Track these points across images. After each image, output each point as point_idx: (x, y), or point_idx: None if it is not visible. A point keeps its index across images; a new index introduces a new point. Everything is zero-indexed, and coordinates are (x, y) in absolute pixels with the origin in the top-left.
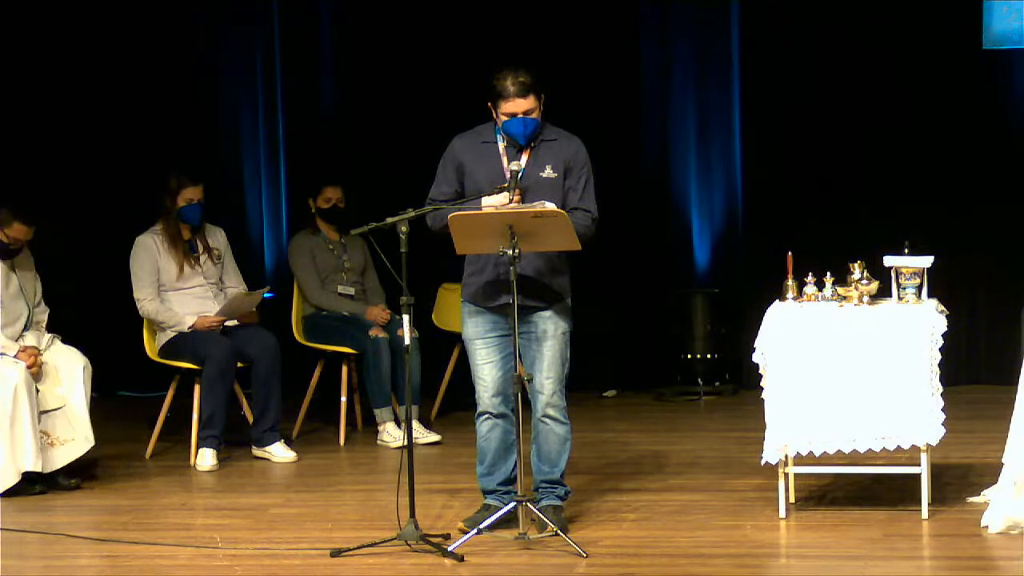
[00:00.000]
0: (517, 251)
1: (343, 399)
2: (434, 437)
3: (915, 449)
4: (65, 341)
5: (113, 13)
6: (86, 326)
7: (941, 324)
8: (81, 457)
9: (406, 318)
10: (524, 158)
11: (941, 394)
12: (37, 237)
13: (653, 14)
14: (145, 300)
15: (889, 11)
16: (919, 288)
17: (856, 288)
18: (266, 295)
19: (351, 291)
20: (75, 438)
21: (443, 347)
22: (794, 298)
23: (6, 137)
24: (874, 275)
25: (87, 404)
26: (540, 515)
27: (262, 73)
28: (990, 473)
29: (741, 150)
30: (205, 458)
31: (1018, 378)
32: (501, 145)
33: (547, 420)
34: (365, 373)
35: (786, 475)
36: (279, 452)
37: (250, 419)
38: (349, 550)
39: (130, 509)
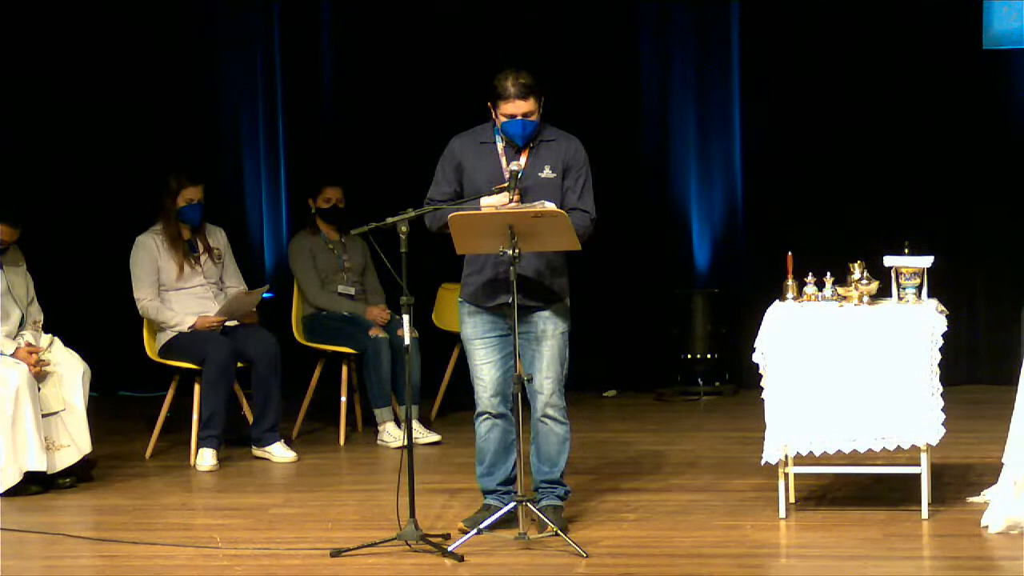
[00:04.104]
0: (517, 251)
1: (343, 399)
2: (434, 437)
3: (915, 449)
4: (65, 342)
5: (113, 13)
6: (86, 326)
7: (941, 324)
8: (77, 460)
9: (406, 318)
10: (523, 158)
11: (941, 394)
12: (37, 237)
13: (653, 15)
14: (145, 300)
15: (889, 11)
16: (919, 288)
17: (856, 288)
18: (265, 295)
19: (351, 291)
20: (71, 444)
21: (443, 347)
22: (794, 298)
23: (4, 137)
24: (874, 275)
25: (86, 411)
26: (540, 515)
27: (262, 73)
28: (990, 473)
29: (741, 150)
30: (205, 458)
31: (1018, 378)
32: (500, 145)
33: (546, 420)
34: (365, 373)
35: (786, 475)
36: (279, 452)
37: (250, 419)
38: (349, 550)
39: (130, 509)
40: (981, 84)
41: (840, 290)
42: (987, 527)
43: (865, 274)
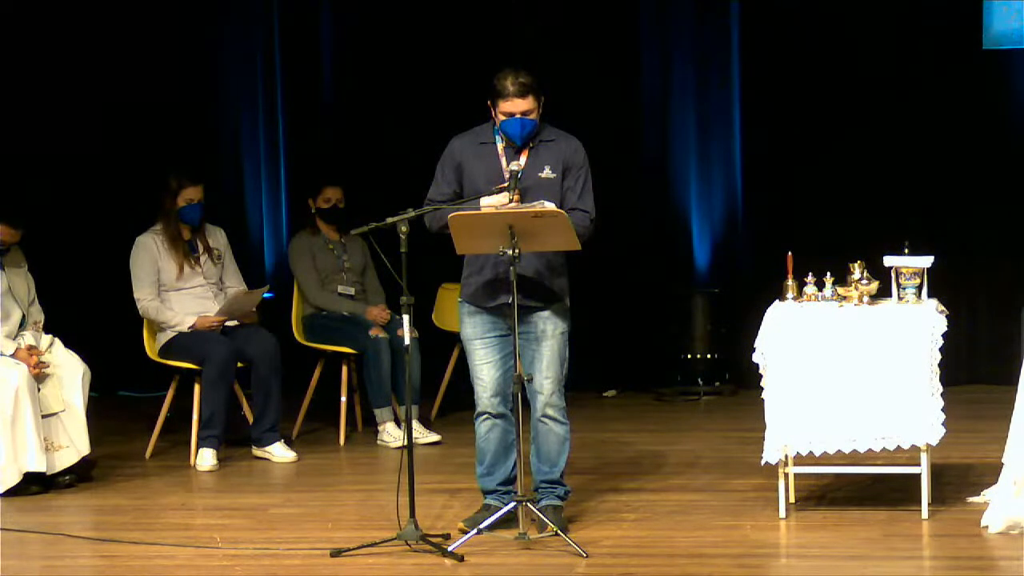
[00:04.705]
0: (517, 251)
1: (343, 399)
2: (434, 437)
3: (915, 449)
4: (65, 342)
5: (113, 12)
6: (86, 326)
7: (941, 324)
8: (76, 461)
9: (406, 318)
10: (523, 158)
11: (941, 394)
12: (37, 237)
13: (653, 14)
14: (145, 300)
15: (889, 11)
16: (919, 288)
17: (856, 288)
18: (266, 295)
19: (351, 291)
20: (71, 445)
21: (443, 347)
22: (794, 298)
23: (2, 137)
24: (874, 275)
25: (85, 412)
26: (540, 515)
27: (262, 73)
28: (990, 473)
29: (741, 150)
30: (205, 458)
31: (1018, 378)
32: (500, 145)
33: (546, 420)
34: (365, 373)
35: (786, 475)
36: (279, 452)
37: (250, 419)
38: (349, 550)
39: (130, 509)
40: (981, 84)
41: (840, 290)
42: (987, 527)
43: (865, 274)
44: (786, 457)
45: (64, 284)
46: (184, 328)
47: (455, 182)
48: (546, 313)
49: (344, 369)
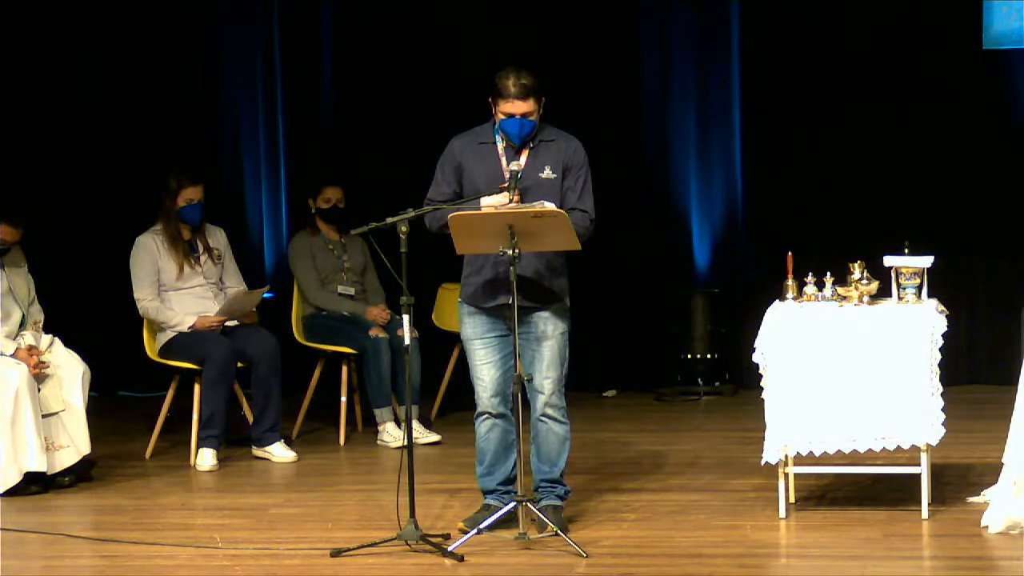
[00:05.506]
0: (517, 251)
1: (343, 399)
2: (434, 437)
3: (915, 449)
4: (65, 342)
5: (113, 12)
6: (86, 326)
7: (941, 324)
8: (76, 460)
9: (406, 318)
10: (523, 158)
11: (941, 394)
12: (37, 237)
13: (653, 14)
14: (145, 300)
15: (889, 11)
16: (919, 288)
17: (856, 288)
18: (266, 295)
19: (351, 291)
20: (71, 445)
21: (443, 347)
22: (794, 298)
23: (2, 137)
24: (874, 275)
25: (85, 412)
26: (540, 515)
27: (262, 73)
28: (990, 473)
29: (741, 150)
30: (205, 458)
31: (1018, 378)
32: (500, 146)
33: (546, 420)
34: (365, 373)
35: (786, 475)
36: (279, 452)
37: (250, 419)
38: (349, 550)
39: (130, 509)
40: (981, 84)
41: (840, 290)
42: (987, 527)
43: (865, 274)
44: (786, 457)
45: (64, 284)
46: (184, 328)
47: (455, 182)
48: (546, 313)
49: (344, 369)
